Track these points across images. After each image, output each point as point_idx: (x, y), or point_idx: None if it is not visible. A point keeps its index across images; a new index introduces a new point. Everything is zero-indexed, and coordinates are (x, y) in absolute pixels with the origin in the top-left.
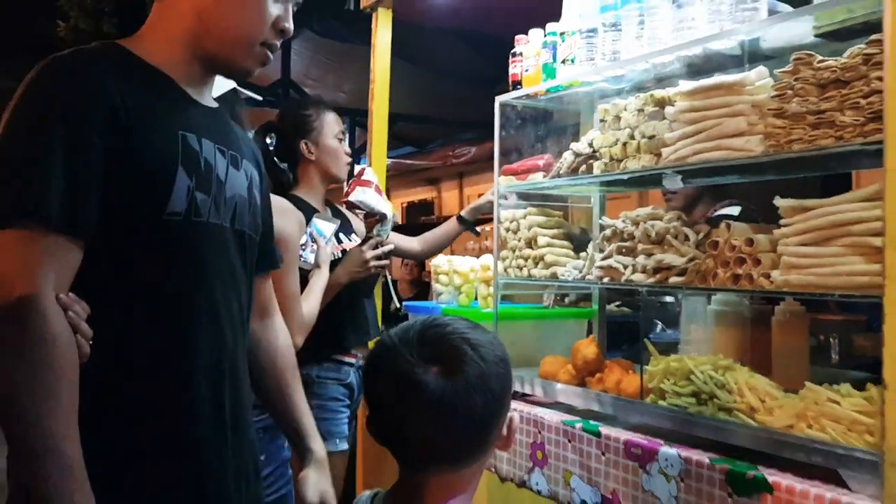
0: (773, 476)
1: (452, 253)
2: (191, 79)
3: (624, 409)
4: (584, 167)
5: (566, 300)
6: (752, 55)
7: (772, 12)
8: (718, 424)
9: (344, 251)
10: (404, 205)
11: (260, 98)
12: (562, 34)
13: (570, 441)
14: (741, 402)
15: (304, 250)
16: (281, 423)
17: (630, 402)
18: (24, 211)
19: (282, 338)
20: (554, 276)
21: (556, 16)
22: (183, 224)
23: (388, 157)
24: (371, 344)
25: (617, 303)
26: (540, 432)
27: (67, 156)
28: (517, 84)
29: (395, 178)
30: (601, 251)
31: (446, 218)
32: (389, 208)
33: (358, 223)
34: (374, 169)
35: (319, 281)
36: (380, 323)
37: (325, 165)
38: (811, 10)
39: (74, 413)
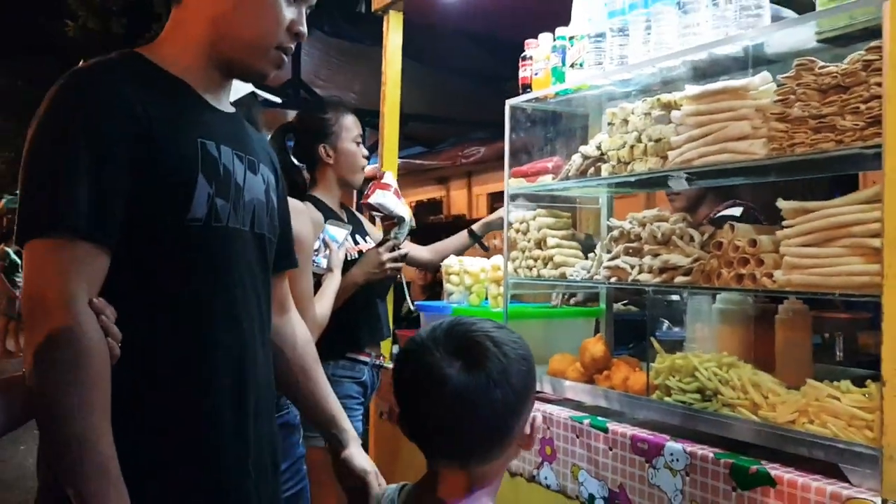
0: (775, 470)
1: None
2: (209, 84)
3: (631, 405)
4: (592, 169)
5: (572, 300)
6: (755, 59)
7: (775, 18)
8: (722, 420)
9: (360, 252)
10: (413, 204)
11: (279, 100)
12: (571, 38)
13: (578, 436)
14: (745, 399)
15: (317, 255)
16: (310, 412)
17: (637, 398)
18: (52, 221)
19: (301, 331)
20: (563, 277)
21: (562, 16)
22: (203, 229)
23: (398, 158)
24: (384, 343)
25: (623, 301)
26: (549, 428)
27: (91, 166)
28: (527, 87)
29: (404, 178)
30: (608, 252)
31: (455, 217)
32: (407, 212)
33: (370, 226)
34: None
35: (332, 284)
36: (391, 324)
37: (343, 169)
38: (814, 17)
39: (108, 413)
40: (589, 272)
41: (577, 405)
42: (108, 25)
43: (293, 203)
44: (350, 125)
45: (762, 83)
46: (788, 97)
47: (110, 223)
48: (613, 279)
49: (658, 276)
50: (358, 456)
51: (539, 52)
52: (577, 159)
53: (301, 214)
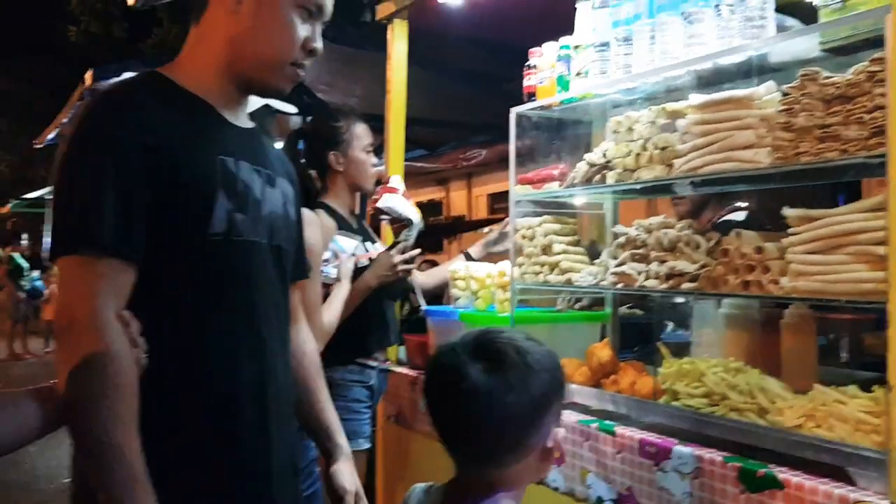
0: (783, 474)
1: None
2: (227, 101)
3: (638, 409)
4: (598, 177)
5: (577, 305)
6: (759, 68)
7: (779, 27)
8: (730, 424)
9: (371, 259)
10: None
11: (295, 109)
12: (576, 48)
13: (586, 440)
14: (752, 403)
15: (326, 265)
16: (308, 423)
17: (645, 402)
18: (81, 239)
19: (308, 342)
20: (569, 282)
21: (562, 17)
22: (223, 243)
23: None
24: (391, 348)
25: (628, 305)
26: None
27: (117, 186)
28: (532, 95)
29: (405, 180)
30: (615, 258)
31: (454, 218)
32: (416, 214)
33: (373, 235)
34: None
35: (340, 293)
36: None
37: (353, 177)
38: (818, 29)
39: (136, 422)
40: (596, 278)
41: (584, 409)
42: (110, 29)
43: (304, 213)
44: (361, 134)
45: (767, 93)
46: (793, 107)
47: (136, 239)
48: (620, 285)
49: (665, 283)
50: (344, 473)
51: (544, 61)
52: (582, 167)
53: (311, 224)
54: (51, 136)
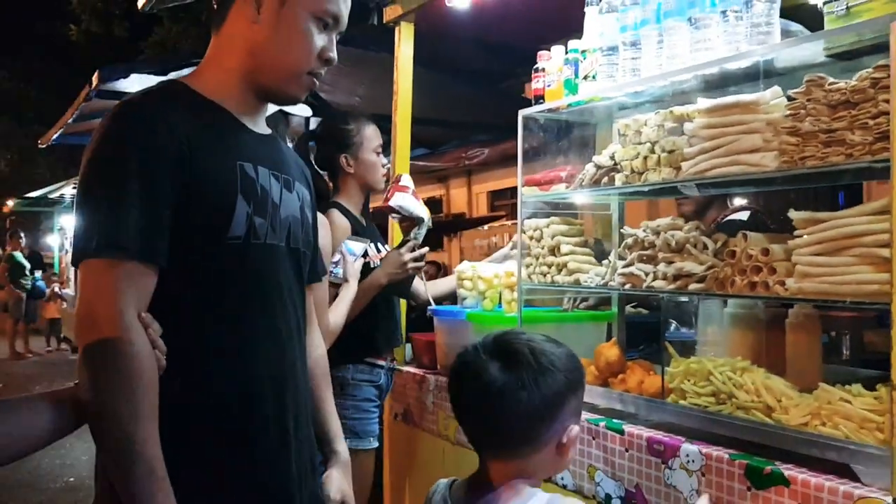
0: (789, 471)
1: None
2: (246, 109)
3: (646, 407)
4: (605, 179)
5: (582, 304)
6: (765, 72)
7: (784, 32)
8: (737, 422)
9: (381, 260)
10: None
11: (309, 112)
12: (583, 52)
13: (594, 438)
14: (758, 402)
15: (335, 266)
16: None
17: (652, 401)
18: (105, 243)
19: (318, 347)
20: (577, 283)
21: (565, 22)
22: (243, 246)
23: None
24: (398, 349)
25: (633, 304)
26: None
27: (140, 191)
28: (539, 98)
29: None
30: (622, 259)
31: (454, 215)
32: (426, 212)
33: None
34: None
35: (347, 294)
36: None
37: (364, 178)
38: (823, 36)
39: (156, 420)
40: (603, 278)
41: (592, 408)
42: (111, 28)
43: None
44: (371, 135)
45: (773, 98)
46: (799, 112)
47: (159, 244)
48: (628, 286)
49: (672, 283)
50: (336, 481)
51: (552, 65)
52: (590, 168)
53: (322, 225)
54: (56, 135)
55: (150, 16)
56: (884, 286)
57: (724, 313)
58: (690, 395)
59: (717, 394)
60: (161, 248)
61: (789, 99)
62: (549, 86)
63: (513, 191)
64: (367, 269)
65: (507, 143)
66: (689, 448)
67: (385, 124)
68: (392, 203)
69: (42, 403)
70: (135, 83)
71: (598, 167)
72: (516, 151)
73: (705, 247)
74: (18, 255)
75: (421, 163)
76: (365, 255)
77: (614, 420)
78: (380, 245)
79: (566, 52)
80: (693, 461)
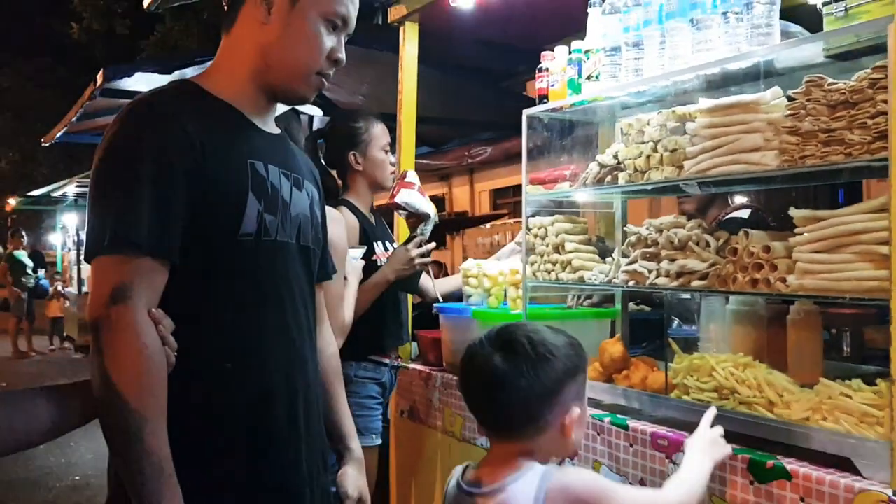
0: (791, 464)
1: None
2: (256, 108)
3: (650, 403)
4: (609, 177)
5: (585, 302)
6: (765, 73)
7: (784, 33)
8: (739, 417)
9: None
10: None
11: (319, 112)
12: (586, 52)
13: (599, 434)
14: (760, 397)
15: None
16: (325, 425)
17: (656, 396)
18: (118, 239)
19: (329, 345)
20: (582, 280)
21: (566, 22)
22: (254, 243)
23: None
24: (402, 347)
25: (636, 301)
26: None
27: (153, 190)
28: (543, 98)
29: None
30: (625, 256)
31: (457, 213)
32: (432, 208)
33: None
34: None
35: (349, 291)
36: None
37: (372, 175)
38: (822, 37)
39: (164, 417)
40: (607, 276)
41: (596, 404)
42: (112, 27)
43: (328, 210)
44: (379, 134)
45: (773, 98)
46: (799, 111)
47: (171, 241)
48: (632, 283)
49: (675, 281)
50: (351, 478)
51: (555, 65)
52: (594, 167)
53: (336, 221)
54: (59, 134)
55: (152, 14)
56: (883, 283)
57: (727, 310)
58: (693, 391)
59: (719, 389)
60: (173, 245)
61: (789, 99)
62: (552, 85)
63: (515, 189)
64: (374, 267)
65: (509, 142)
66: None
67: (388, 123)
68: (398, 199)
69: (44, 397)
70: (139, 82)
71: (602, 166)
72: (519, 150)
73: (707, 244)
74: (20, 253)
75: (424, 161)
76: (364, 257)
77: (619, 416)
78: (387, 243)
79: (570, 53)
80: None
